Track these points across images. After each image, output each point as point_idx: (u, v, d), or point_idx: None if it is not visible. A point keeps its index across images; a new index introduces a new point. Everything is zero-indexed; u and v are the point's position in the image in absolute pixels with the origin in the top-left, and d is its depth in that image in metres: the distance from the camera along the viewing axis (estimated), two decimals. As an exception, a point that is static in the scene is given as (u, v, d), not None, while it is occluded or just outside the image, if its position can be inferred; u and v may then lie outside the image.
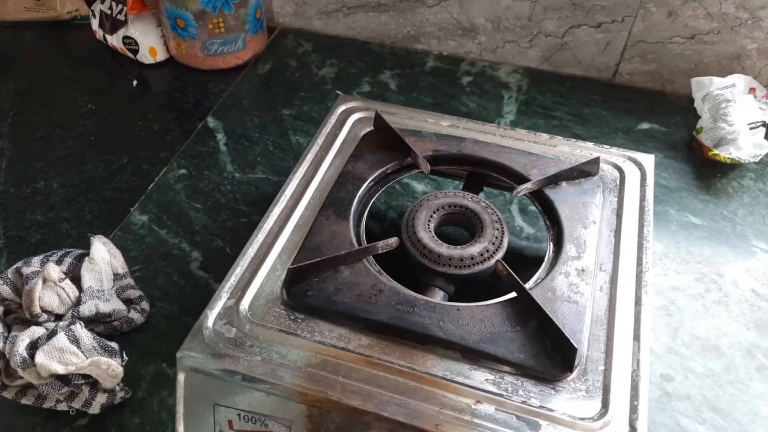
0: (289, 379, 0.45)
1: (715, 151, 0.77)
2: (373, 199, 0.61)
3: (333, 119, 0.68)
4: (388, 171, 0.62)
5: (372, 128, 0.66)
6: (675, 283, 0.67)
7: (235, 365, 0.46)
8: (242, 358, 0.46)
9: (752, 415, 0.56)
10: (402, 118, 0.68)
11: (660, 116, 0.88)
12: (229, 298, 0.50)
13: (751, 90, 0.83)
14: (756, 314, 0.64)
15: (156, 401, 0.57)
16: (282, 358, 0.46)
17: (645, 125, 0.87)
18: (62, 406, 0.55)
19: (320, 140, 0.66)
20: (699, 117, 0.83)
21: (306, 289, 0.50)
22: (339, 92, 0.88)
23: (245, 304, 0.50)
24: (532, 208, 0.68)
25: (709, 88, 0.82)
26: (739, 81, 0.82)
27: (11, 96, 0.94)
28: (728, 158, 0.76)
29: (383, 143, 0.64)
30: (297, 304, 0.50)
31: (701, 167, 0.80)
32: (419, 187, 0.77)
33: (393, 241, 0.55)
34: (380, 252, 0.54)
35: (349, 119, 0.68)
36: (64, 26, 1.08)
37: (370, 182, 0.60)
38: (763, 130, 0.79)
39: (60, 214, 0.75)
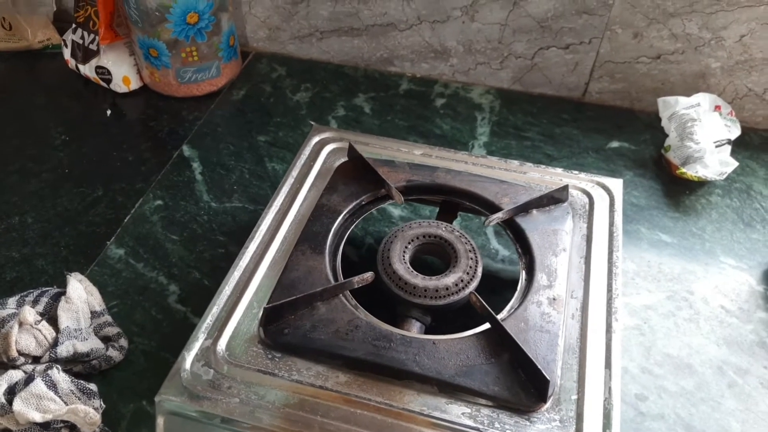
0: (267, 420, 0.46)
1: (683, 170, 0.79)
2: (349, 231, 0.61)
3: (307, 150, 0.69)
4: (363, 203, 0.63)
5: (346, 159, 0.67)
6: (647, 301, 0.68)
7: (214, 408, 0.46)
8: (220, 400, 0.47)
9: (724, 432, 0.58)
10: (375, 148, 0.69)
11: (629, 134, 0.90)
12: (206, 339, 0.51)
13: (716, 108, 0.85)
14: (726, 331, 0.66)
15: (136, 441, 0.57)
16: (260, 399, 0.47)
17: (615, 143, 0.88)
18: (41, 450, 0.55)
19: (295, 172, 0.66)
20: (667, 135, 0.85)
21: (283, 327, 0.51)
22: (312, 123, 0.88)
23: (222, 344, 0.50)
24: (507, 232, 0.69)
25: (674, 107, 0.84)
26: (704, 100, 0.84)
27: (-17, 128, 0.93)
28: (696, 176, 0.78)
29: (357, 174, 0.64)
30: (274, 342, 0.50)
31: (670, 185, 0.82)
32: (396, 212, 0.78)
33: (368, 275, 0.55)
34: (356, 287, 0.54)
35: (323, 150, 0.69)
36: (36, 56, 1.07)
37: (345, 215, 0.61)
38: (728, 147, 0.81)
39: (35, 250, 0.75)
